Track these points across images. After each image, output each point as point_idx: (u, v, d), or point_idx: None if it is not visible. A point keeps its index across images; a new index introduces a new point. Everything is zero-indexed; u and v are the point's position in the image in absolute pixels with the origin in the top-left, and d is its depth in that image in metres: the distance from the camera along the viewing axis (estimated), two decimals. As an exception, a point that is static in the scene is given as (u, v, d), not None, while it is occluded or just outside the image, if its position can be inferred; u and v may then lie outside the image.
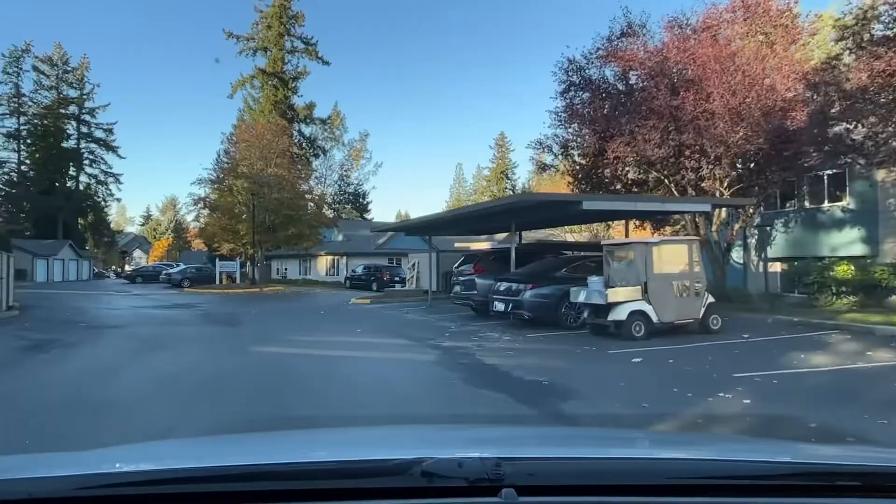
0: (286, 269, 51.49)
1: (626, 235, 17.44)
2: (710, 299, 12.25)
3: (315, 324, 16.84)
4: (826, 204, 19.68)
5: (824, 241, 19.58)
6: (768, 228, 21.37)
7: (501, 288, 14.57)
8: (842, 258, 18.17)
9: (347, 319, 17.82)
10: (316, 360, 10.08)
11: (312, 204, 41.48)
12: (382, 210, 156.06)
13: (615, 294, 11.52)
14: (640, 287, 11.63)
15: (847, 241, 18.96)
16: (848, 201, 19.08)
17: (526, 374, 8.15)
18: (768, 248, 21.78)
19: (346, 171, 67.17)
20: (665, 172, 19.37)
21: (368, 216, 67.47)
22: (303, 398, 7.07)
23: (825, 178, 19.40)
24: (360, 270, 38.53)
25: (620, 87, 19.87)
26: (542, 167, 22.55)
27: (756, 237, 21.71)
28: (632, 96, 18.96)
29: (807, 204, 20.28)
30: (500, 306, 14.45)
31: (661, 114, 17.22)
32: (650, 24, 20.30)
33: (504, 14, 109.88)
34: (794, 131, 16.29)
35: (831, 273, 17.63)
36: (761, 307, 17.03)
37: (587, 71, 20.42)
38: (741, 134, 16.80)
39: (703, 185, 18.49)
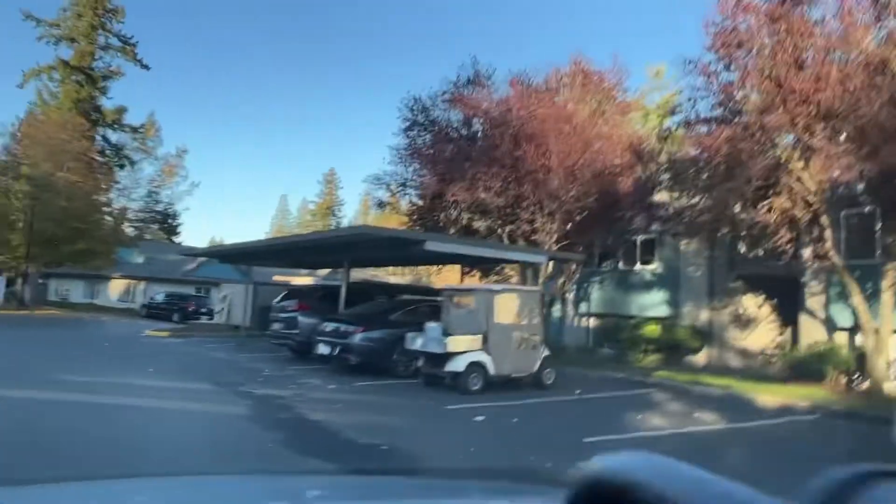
0: (67, 290, 44.34)
1: (461, 281, 17.00)
2: (546, 352, 11.97)
3: (94, 359, 13.84)
4: (638, 266, 21.14)
5: (635, 300, 20.90)
6: (586, 285, 22.49)
7: (328, 329, 13.15)
8: (650, 318, 19.45)
9: (138, 355, 15.04)
10: (85, 408, 7.81)
11: (110, 218, 36.39)
12: (194, 235, 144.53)
13: (455, 343, 10.70)
14: (480, 337, 10.95)
15: (655, 303, 20.40)
16: (656, 266, 20.64)
17: (360, 436, 6.86)
18: (584, 304, 22.91)
19: (156, 186, 60.73)
20: (499, 222, 19.48)
21: (177, 239, 61.38)
22: (56, 462, 5.07)
23: (638, 242, 20.88)
24: (160, 298, 34.23)
25: (464, 133, 19.83)
26: (379, 204, 21.75)
27: (574, 293, 22.73)
28: (475, 143, 18.95)
29: (621, 265, 21.63)
30: (324, 349, 12.97)
31: (502, 163, 17.30)
32: (496, 76, 20.65)
33: (344, 47, 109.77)
34: (621, 195, 17.23)
35: (640, 332, 18.76)
36: (580, 361, 17.46)
37: (432, 112, 20.17)
38: (573, 192, 17.39)
39: (534, 237, 18.83)
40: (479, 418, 8.42)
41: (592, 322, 22.45)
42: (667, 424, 8.67)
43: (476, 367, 10.74)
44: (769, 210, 12.71)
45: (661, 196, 17.12)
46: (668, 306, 20.05)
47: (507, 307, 11.43)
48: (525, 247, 17.11)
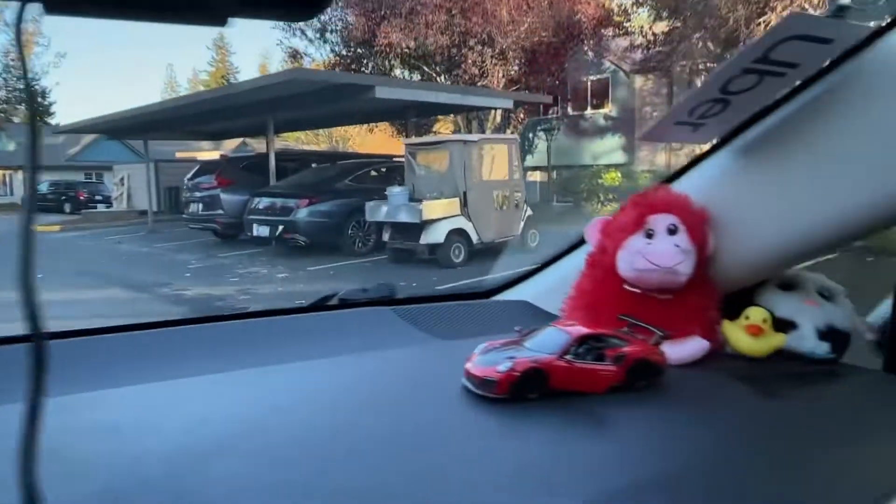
0: (-72, 189, 38.28)
1: (407, 136, 14.69)
2: (529, 212, 10.31)
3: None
4: (589, 111, 19.48)
5: (588, 148, 19.47)
6: (531, 136, 20.74)
7: (262, 205, 10.83)
8: (606, 166, 18.17)
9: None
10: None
11: (-40, 98, 30.48)
12: (73, 116, 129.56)
13: (431, 209, 8.77)
14: (457, 199, 9.06)
15: (608, 149, 19.06)
16: (610, 108, 19.06)
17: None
18: (530, 156, 21.30)
19: (12, 59, 51.87)
20: (439, 69, 16.95)
21: (53, 121, 53.80)
22: None
23: (589, 84, 19.05)
24: (44, 188, 29.86)
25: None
26: (293, 55, 18.41)
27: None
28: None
29: (570, 111, 19.90)
30: (262, 230, 10.74)
31: (445, -9, 14.53)
32: None
33: None
34: (582, 24, 15.04)
35: (600, 181, 17.50)
36: (539, 218, 16.10)
37: (349, -66, 16.54)
38: (526, 25, 15.01)
39: (481, 83, 16.55)
40: (488, 299, 6.75)
41: (540, 175, 21.01)
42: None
43: (458, 235, 8.97)
44: (766, 27, 11.09)
45: (634, 23, 15.09)
46: (624, 152, 18.78)
47: (484, 161, 9.51)
48: (487, 90, 14.84)
